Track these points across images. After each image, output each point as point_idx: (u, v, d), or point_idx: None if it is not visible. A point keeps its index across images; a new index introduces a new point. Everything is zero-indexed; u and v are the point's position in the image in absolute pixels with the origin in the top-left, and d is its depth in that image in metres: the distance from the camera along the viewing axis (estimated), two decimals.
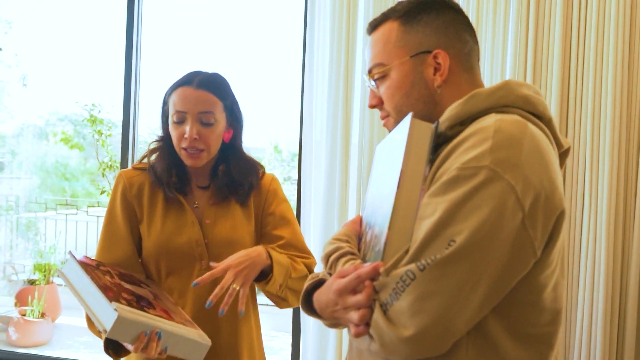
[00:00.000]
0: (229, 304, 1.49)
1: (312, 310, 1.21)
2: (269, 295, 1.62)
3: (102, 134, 5.94)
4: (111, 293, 1.42)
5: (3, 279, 6.53)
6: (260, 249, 1.57)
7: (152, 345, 1.41)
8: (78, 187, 7.78)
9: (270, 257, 1.57)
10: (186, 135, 1.61)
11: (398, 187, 1.01)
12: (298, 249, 1.70)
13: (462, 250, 0.93)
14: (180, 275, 1.65)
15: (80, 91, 6.98)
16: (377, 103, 1.22)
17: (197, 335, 1.50)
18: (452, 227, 0.94)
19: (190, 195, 1.71)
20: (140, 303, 1.46)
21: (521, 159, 0.98)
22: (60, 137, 7.47)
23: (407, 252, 0.98)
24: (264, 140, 9.83)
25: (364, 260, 1.10)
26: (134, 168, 1.74)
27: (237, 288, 1.49)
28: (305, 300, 1.23)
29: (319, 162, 3.30)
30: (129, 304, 1.42)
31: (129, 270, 1.65)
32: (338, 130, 3.23)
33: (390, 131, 1.21)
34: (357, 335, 1.00)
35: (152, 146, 1.73)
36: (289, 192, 7.43)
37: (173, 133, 1.66)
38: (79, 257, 1.54)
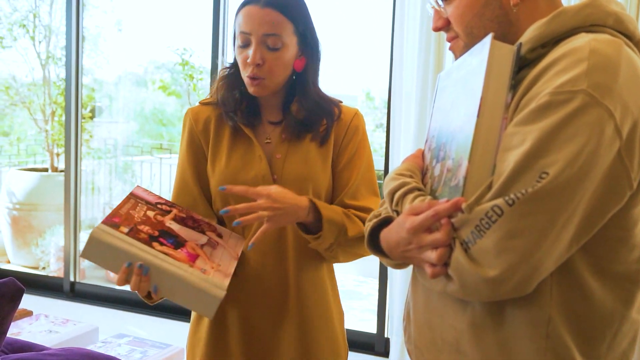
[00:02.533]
0: (250, 221, 1.41)
1: (378, 250, 1.18)
2: (316, 249, 1.54)
3: (193, 78, 6.07)
4: (118, 219, 1.35)
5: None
6: (305, 202, 1.46)
7: (136, 280, 1.30)
8: (174, 132, 8.03)
9: (319, 212, 1.46)
10: (249, 60, 1.49)
11: (478, 115, 0.95)
12: (364, 196, 1.59)
13: (556, 183, 0.87)
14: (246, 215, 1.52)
15: (172, 36, 7.12)
16: (443, 25, 1.14)
17: (207, 284, 1.32)
18: (544, 158, 0.88)
19: (260, 130, 1.60)
20: (159, 239, 1.37)
21: (619, 83, 0.91)
22: (159, 85, 7.66)
23: (490, 186, 0.92)
24: (355, 87, 9.78)
25: (433, 197, 1.05)
26: (201, 103, 1.65)
27: (264, 219, 1.42)
28: (370, 239, 1.19)
29: (408, 110, 3.24)
30: (137, 237, 1.33)
31: (202, 215, 1.59)
32: (429, 77, 3.15)
33: (458, 56, 1.14)
34: (434, 275, 0.96)
35: (221, 75, 1.63)
36: (380, 139, 7.34)
37: (238, 58, 1.54)
38: (138, 190, 1.53)
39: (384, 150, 3.42)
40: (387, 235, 1.09)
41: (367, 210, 1.55)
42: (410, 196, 1.06)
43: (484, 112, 0.95)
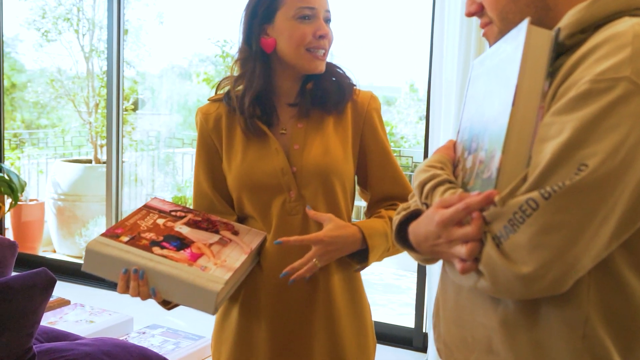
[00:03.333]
0: (302, 276, 1.42)
1: (406, 244, 1.14)
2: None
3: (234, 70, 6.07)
4: (120, 230, 1.35)
5: None
6: (356, 233, 1.45)
7: (134, 286, 1.30)
8: None
9: (366, 242, 1.46)
10: (319, 32, 1.47)
11: (513, 104, 0.90)
12: (398, 189, 1.56)
13: (595, 176, 0.82)
14: (266, 212, 1.51)
15: (213, 28, 7.15)
16: (477, 10, 1.09)
17: (203, 279, 1.30)
18: (583, 149, 0.84)
19: (275, 120, 1.54)
20: (162, 243, 1.35)
21: None
22: (203, 77, 7.72)
23: (524, 179, 0.88)
24: (399, 79, 9.71)
25: (464, 190, 1.01)
26: (210, 100, 1.59)
27: (318, 265, 1.42)
28: (398, 232, 1.16)
29: (448, 100, 3.19)
30: (137, 244, 1.32)
31: (222, 215, 1.56)
32: (470, 67, 3.07)
33: (492, 43, 1.09)
34: (464, 271, 0.92)
35: (237, 65, 1.55)
36: (422, 131, 7.27)
37: (296, 33, 1.46)
38: (153, 201, 1.52)
39: (422, 141, 3.37)
40: (416, 229, 1.05)
41: (401, 196, 1.56)
42: (441, 189, 1.02)
43: (519, 100, 0.91)
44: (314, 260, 1.41)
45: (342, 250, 1.44)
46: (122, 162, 4.76)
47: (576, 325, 0.91)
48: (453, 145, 1.15)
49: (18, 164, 6.21)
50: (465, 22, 3.07)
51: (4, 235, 5.09)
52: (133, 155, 6.97)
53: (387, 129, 9.27)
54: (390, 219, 1.50)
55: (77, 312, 2.89)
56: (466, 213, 0.91)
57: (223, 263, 1.35)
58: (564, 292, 0.88)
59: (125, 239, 1.33)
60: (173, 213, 1.48)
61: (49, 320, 2.75)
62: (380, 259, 1.51)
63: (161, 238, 1.37)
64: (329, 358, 1.51)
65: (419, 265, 3.48)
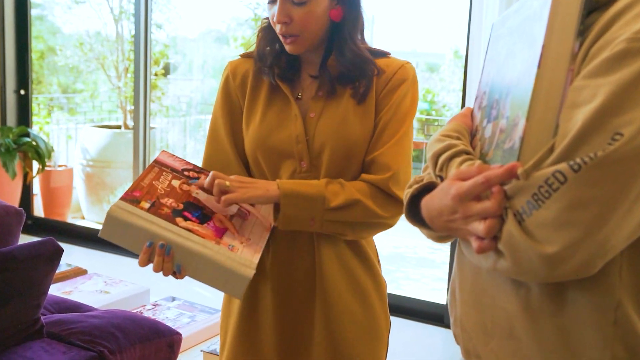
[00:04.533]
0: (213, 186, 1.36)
1: (418, 219, 1.08)
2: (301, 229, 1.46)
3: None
4: (139, 192, 1.30)
5: None
6: (270, 183, 1.41)
7: (158, 261, 1.26)
8: None
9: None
10: (274, 19, 1.42)
11: (539, 66, 0.84)
12: (386, 152, 1.46)
13: (631, 146, 0.78)
14: (278, 175, 1.50)
15: None
16: None
17: (235, 262, 1.26)
18: (618, 116, 0.78)
19: (298, 85, 1.53)
20: (184, 213, 1.31)
21: None
22: (241, 42, 7.66)
23: (551, 149, 0.83)
24: (443, 45, 9.53)
25: (483, 161, 0.95)
26: (241, 56, 1.59)
27: (227, 184, 1.36)
28: (410, 207, 1.10)
29: None
30: (159, 212, 1.28)
31: None
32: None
33: None
34: (482, 250, 0.87)
35: (260, 26, 1.56)
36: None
37: (268, 14, 1.47)
38: (163, 156, 1.47)
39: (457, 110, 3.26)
40: (429, 203, 1.00)
41: (384, 165, 1.45)
42: (457, 160, 0.97)
43: (546, 62, 0.85)
44: (226, 182, 1.36)
45: (252, 188, 1.38)
46: (150, 128, 4.74)
47: (606, 310, 0.87)
48: (470, 113, 1.09)
49: (47, 129, 6.25)
50: None
51: (33, 201, 5.16)
52: (163, 121, 6.97)
53: (429, 97, 9.21)
54: (341, 184, 1.43)
55: (94, 282, 2.89)
56: (485, 187, 0.86)
57: (248, 242, 1.33)
58: (593, 275, 0.84)
59: (147, 205, 1.29)
60: (186, 172, 1.45)
61: (64, 289, 2.75)
62: (324, 219, 1.41)
63: (181, 206, 1.33)
64: (327, 334, 1.50)
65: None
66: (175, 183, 1.39)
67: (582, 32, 0.87)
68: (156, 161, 1.45)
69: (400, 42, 9.88)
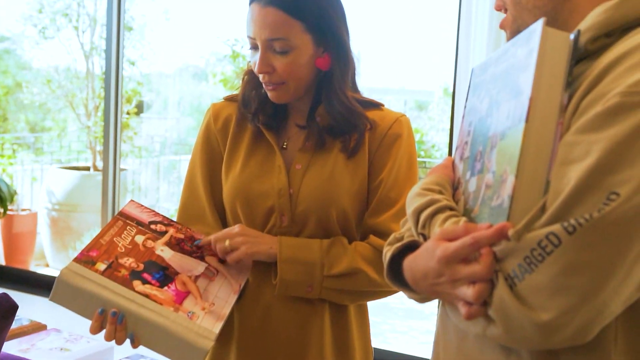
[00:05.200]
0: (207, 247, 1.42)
1: (399, 280, 1.07)
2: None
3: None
4: (95, 252, 1.29)
5: None
6: (274, 240, 1.41)
7: (111, 330, 1.24)
8: None
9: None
10: (255, 69, 1.41)
11: (527, 119, 0.84)
12: (389, 215, 1.45)
13: (628, 207, 0.77)
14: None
15: (222, 25, 7.13)
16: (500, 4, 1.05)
17: (192, 333, 1.23)
18: (614, 174, 0.78)
19: (284, 134, 1.52)
20: (143, 275, 1.30)
21: None
22: (220, 78, 7.71)
23: (543, 208, 0.82)
24: (432, 82, 9.65)
25: (468, 218, 0.94)
26: (225, 99, 1.58)
27: (227, 246, 1.39)
28: (391, 267, 1.09)
29: None
30: (115, 275, 1.27)
31: (210, 230, 1.51)
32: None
33: (508, 34, 1.03)
34: (470, 316, 0.86)
35: (246, 69, 1.55)
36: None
37: (251, 62, 1.46)
38: (130, 207, 1.45)
39: (447, 151, 3.27)
40: (413, 264, 0.99)
41: (387, 233, 1.39)
42: (441, 217, 0.96)
43: (535, 115, 0.84)
44: (225, 243, 1.39)
45: (263, 243, 1.40)
46: (121, 170, 4.70)
47: None
48: (452, 163, 1.08)
49: (11, 170, 6.19)
50: (495, 19, 2.96)
51: None
52: (135, 163, 6.94)
53: (417, 137, 9.27)
54: (344, 248, 1.42)
55: (52, 339, 2.82)
56: (474, 248, 0.85)
57: (211, 308, 1.30)
58: (586, 343, 0.83)
59: (102, 266, 1.28)
60: (153, 226, 1.42)
61: (21, 347, 2.68)
62: (323, 286, 1.39)
63: (142, 266, 1.32)
64: None
65: None
66: (139, 239, 1.37)
67: (571, 83, 0.87)
68: (121, 213, 1.42)
69: (387, 79, 10.00)
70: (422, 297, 1.05)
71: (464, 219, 0.93)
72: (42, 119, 7.45)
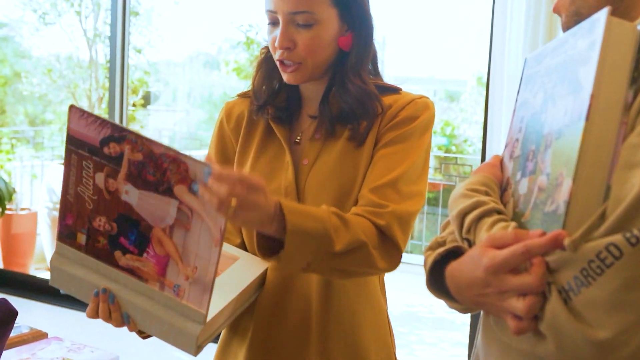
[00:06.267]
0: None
1: (440, 289, 1.07)
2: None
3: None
4: (70, 218, 1.30)
5: None
6: (271, 202, 1.24)
7: (103, 309, 1.29)
8: None
9: (284, 218, 1.25)
10: (276, 43, 1.40)
11: (587, 118, 0.84)
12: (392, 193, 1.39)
13: None
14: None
15: (236, 10, 7.13)
16: None
17: (181, 318, 1.25)
18: None
19: (297, 127, 1.53)
20: (120, 240, 1.27)
21: None
22: (233, 66, 7.72)
23: (602, 216, 0.83)
24: (464, 71, 9.60)
25: (518, 223, 0.94)
26: (239, 95, 1.61)
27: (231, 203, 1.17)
28: (432, 274, 1.09)
29: (509, 96, 3.09)
30: (96, 247, 1.29)
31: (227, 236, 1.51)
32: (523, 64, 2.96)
33: (563, 17, 1.04)
34: (519, 331, 0.86)
35: (258, 59, 1.57)
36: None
37: (268, 39, 1.46)
38: (74, 121, 1.28)
39: (480, 144, 3.27)
40: (456, 273, 0.99)
41: (382, 205, 1.37)
42: (488, 221, 0.96)
43: (595, 114, 0.84)
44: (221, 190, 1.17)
45: (255, 207, 1.20)
46: None
47: None
48: (500, 162, 1.09)
49: (9, 167, 6.24)
50: (533, 2, 2.95)
51: None
52: None
53: (447, 130, 9.19)
54: (343, 219, 1.32)
55: (54, 348, 2.82)
56: (525, 258, 0.85)
57: (194, 274, 1.23)
58: None
59: (83, 238, 1.31)
60: (106, 149, 1.26)
61: (21, 357, 2.70)
62: (321, 261, 1.30)
63: (115, 228, 1.28)
64: None
65: None
66: (100, 180, 1.27)
67: (637, 78, 0.87)
68: (70, 138, 1.27)
69: (415, 67, 9.95)
70: (465, 307, 1.05)
71: (513, 224, 0.93)
72: (43, 111, 7.49)
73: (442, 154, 8.31)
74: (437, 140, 8.74)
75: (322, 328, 1.47)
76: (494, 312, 0.94)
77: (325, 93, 1.48)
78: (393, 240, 1.36)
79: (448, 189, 7.15)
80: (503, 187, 1.04)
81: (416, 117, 1.44)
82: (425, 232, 7.05)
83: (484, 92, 3.24)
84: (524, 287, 0.84)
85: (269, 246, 1.32)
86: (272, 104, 1.51)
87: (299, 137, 1.50)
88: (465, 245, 1.00)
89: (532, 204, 0.93)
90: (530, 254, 0.84)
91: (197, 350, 1.28)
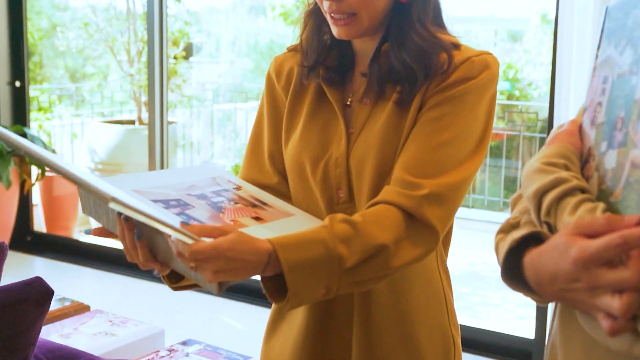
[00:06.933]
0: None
1: (516, 279, 1.00)
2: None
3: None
4: None
5: None
6: (261, 253, 1.20)
7: (120, 228, 1.24)
8: None
9: (281, 266, 1.21)
10: None
11: None
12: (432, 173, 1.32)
13: None
14: (317, 213, 1.43)
15: None
16: None
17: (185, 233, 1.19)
18: None
19: (349, 88, 1.47)
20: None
21: None
22: (279, 11, 7.64)
23: None
24: (527, 8, 9.35)
25: (606, 203, 0.87)
26: (289, 49, 1.56)
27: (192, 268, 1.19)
28: (508, 263, 1.01)
29: (582, 39, 2.96)
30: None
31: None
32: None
33: None
34: (615, 332, 0.81)
35: (305, 11, 1.50)
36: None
37: None
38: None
39: (549, 89, 3.17)
40: (537, 263, 0.93)
41: (413, 185, 1.30)
42: (571, 201, 0.90)
43: None
44: (192, 264, 1.18)
45: (234, 270, 1.20)
46: (169, 123, 4.72)
47: None
48: (578, 129, 1.00)
49: (49, 126, 6.31)
50: None
51: (32, 213, 5.18)
52: (185, 114, 6.98)
53: (510, 73, 9.04)
54: (352, 224, 1.27)
55: (97, 322, 2.86)
56: (622, 250, 0.79)
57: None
58: None
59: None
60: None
61: (62, 332, 2.73)
62: (340, 282, 1.26)
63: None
64: None
65: None
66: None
67: None
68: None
69: (474, 5, 9.71)
70: (546, 300, 1.00)
71: (601, 205, 0.87)
72: (83, 65, 7.55)
73: (504, 101, 8.13)
74: (499, 85, 8.61)
75: (365, 314, 1.43)
76: (582, 308, 0.90)
77: (377, 49, 1.41)
78: (425, 222, 1.29)
79: (511, 138, 7.02)
80: (584, 159, 0.97)
81: (471, 77, 1.35)
82: (487, 184, 6.94)
83: (550, 31, 3.13)
84: (621, 284, 0.79)
85: (276, 286, 1.27)
86: (323, 63, 1.44)
87: (350, 100, 1.45)
88: (545, 229, 0.94)
89: (623, 182, 0.86)
90: (628, 245, 0.78)
91: (219, 288, 1.25)
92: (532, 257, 0.94)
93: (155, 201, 1.32)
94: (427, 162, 1.32)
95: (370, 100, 1.41)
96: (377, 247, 1.26)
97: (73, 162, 6.43)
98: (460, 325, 1.54)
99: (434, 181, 1.30)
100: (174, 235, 1.16)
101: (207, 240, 1.17)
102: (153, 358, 2.61)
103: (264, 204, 1.44)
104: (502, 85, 8.73)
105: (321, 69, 1.45)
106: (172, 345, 2.74)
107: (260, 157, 1.55)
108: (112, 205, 1.10)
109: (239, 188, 1.47)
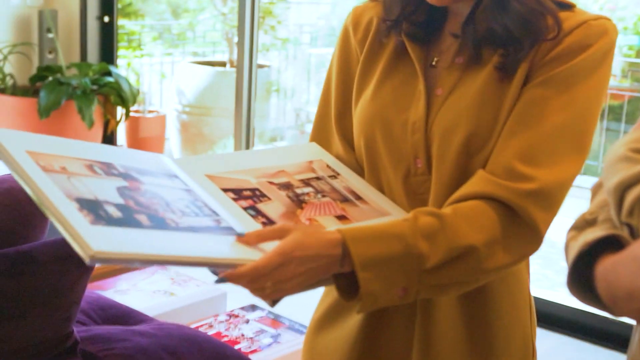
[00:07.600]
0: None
1: (586, 288, 0.94)
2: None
3: None
4: None
5: (294, 128, 6.96)
6: (333, 245, 1.16)
7: None
8: None
9: (352, 261, 1.16)
10: None
11: None
12: (550, 162, 1.22)
13: None
14: (388, 185, 1.37)
15: None
16: None
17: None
18: None
19: (435, 48, 1.38)
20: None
21: None
22: None
23: None
24: None
25: None
26: None
27: (267, 292, 1.18)
28: (576, 271, 0.95)
29: None
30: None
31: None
32: None
33: None
34: None
35: None
36: None
37: None
38: None
39: None
40: (611, 275, 0.88)
41: (523, 178, 1.21)
42: None
43: None
44: (267, 284, 1.15)
45: (310, 260, 1.15)
46: (259, 66, 4.68)
47: None
48: None
49: (137, 65, 6.39)
50: None
51: None
52: (279, 58, 6.95)
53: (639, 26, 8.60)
54: (441, 218, 1.21)
55: (157, 279, 2.87)
56: None
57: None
58: None
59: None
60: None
61: (121, 287, 2.74)
62: (421, 285, 1.20)
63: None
64: None
65: None
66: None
67: None
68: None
69: None
70: (623, 315, 0.92)
71: None
72: (185, 0, 7.58)
73: (629, 59, 7.72)
74: (627, 39, 8.20)
75: (429, 312, 1.38)
76: None
77: (473, 8, 1.30)
78: (528, 222, 1.21)
79: (635, 100, 6.68)
80: None
81: (587, 45, 1.24)
82: (603, 150, 6.65)
83: None
84: None
85: (349, 285, 1.22)
86: (409, 18, 1.36)
87: (435, 60, 1.37)
88: (626, 231, 0.89)
89: None
90: None
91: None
92: (606, 267, 0.88)
93: (225, 190, 1.28)
94: (541, 148, 1.23)
95: (463, 62, 1.33)
96: (465, 248, 1.20)
97: (161, 104, 6.50)
98: (534, 297, 1.45)
99: (546, 173, 1.22)
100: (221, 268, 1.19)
101: (271, 245, 1.14)
102: (211, 322, 2.61)
103: (359, 198, 1.38)
104: (630, 39, 8.34)
105: (405, 24, 1.37)
106: (232, 310, 2.73)
107: (327, 122, 1.51)
108: (89, 262, 1.05)
109: (335, 176, 1.42)
